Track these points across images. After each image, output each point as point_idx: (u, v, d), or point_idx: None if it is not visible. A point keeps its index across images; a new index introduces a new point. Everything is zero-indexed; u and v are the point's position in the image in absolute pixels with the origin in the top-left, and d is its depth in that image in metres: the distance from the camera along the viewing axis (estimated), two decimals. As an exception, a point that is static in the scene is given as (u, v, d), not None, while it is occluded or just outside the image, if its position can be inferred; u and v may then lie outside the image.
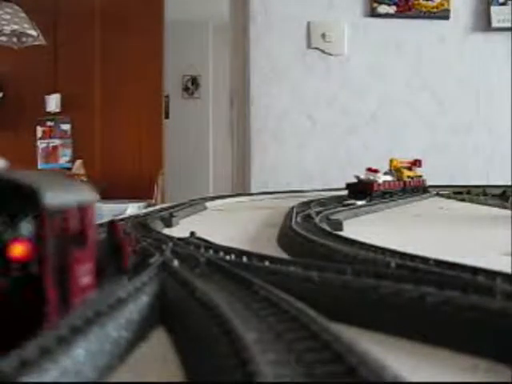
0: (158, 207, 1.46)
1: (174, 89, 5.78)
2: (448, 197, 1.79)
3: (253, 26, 2.89)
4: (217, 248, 0.53)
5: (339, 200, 1.37)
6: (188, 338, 0.32)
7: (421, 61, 2.94)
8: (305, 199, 1.38)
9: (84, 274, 0.25)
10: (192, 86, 6.06)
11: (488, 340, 0.30)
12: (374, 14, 2.90)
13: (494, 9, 2.91)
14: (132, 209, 3.17)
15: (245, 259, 0.48)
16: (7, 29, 3.42)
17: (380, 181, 1.44)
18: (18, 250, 0.22)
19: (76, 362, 0.24)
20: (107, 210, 2.57)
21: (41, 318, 0.22)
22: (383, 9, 2.90)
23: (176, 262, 0.43)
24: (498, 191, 1.72)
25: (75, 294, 0.24)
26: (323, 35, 2.89)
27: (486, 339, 0.31)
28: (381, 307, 0.36)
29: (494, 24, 2.90)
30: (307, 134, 2.90)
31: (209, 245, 0.56)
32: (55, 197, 0.24)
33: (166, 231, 0.88)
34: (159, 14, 4.74)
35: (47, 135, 4.72)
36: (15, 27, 3.41)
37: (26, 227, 0.23)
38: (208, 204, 1.49)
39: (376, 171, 1.46)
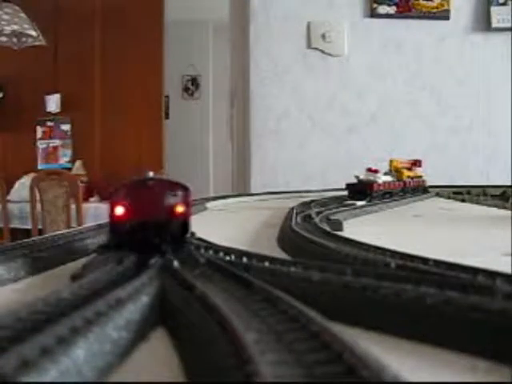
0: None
1: (173, 89, 5.78)
2: (448, 197, 1.79)
3: (253, 26, 2.89)
4: (217, 248, 0.53)
5: (339, 200, 1.37)
6: (188, 339, 0.32)
7: (421, 61, 2.94)
8: (305, 199, 1.38)
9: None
10: (192, 86, 6.06)
11: (488, 340, 0.30)
12: (374, 14, 2.90)
13: (493, 9, 2.91)
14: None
15: (245, 260, 0.48)
16: (7, 29, 3.42)
17: (380, 181, 1.44)
18: (179, 209, 0.47)
19: (76, 362, 0.24)
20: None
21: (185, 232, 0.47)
22: (383, 9, 2.90)
23: (176, 263, 0.43)
24: (498, 191, 1.72)
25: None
26: (323, 35, 2.89)
27: (486, 339, 0.31)
28: (381, 307, 0.36)
29: (494, 24, 2.90)
30: (307, 134, 2.90)
31: (209, 245, 0.56)
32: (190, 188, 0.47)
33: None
34: (159, 14, 4.74)
35: (47, 135, 4.72)
36: (15, 27, 3.41)
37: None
38: (208, 204, 1.49)
39: (376, 171, 1.46)
